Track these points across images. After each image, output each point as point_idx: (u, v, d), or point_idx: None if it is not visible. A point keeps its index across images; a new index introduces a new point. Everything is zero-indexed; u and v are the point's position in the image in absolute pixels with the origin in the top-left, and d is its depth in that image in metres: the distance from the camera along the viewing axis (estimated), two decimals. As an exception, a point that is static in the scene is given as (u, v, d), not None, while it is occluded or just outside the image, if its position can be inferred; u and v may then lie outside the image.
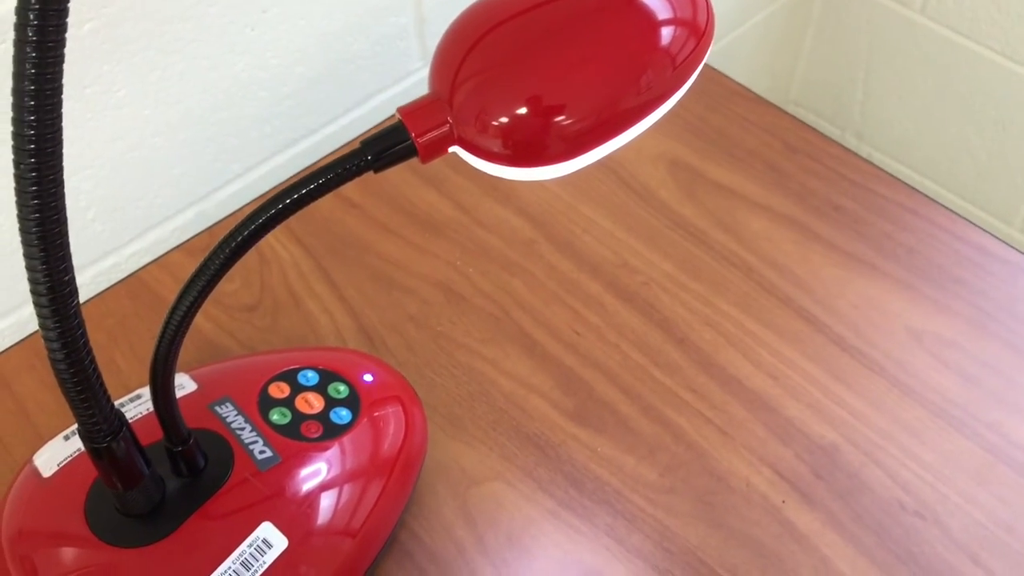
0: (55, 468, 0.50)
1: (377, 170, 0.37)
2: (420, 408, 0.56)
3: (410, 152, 0.37)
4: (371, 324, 0.64)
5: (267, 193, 0.73)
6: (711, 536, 0.54)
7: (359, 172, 0.37)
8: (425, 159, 0.37)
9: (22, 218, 0.35)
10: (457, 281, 0.66)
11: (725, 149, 0.73)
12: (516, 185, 0.71)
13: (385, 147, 0.36)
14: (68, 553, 0.48)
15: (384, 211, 0.70)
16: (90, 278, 0.70)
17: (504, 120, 0.37)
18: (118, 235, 0.70)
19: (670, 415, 0.59)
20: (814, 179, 0.71)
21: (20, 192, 0.34)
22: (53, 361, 0.39)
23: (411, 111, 0.36)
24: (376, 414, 0.53)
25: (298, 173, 0.74)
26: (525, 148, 0.37)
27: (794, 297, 0.64)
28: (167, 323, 0.40)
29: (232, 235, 0.37)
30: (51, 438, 0.52)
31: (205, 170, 0.72)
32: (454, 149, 0.38)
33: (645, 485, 0.56)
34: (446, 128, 0.37)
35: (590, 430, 0.59)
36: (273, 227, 0.37)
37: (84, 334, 0.39)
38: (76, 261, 0.69)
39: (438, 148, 0.37)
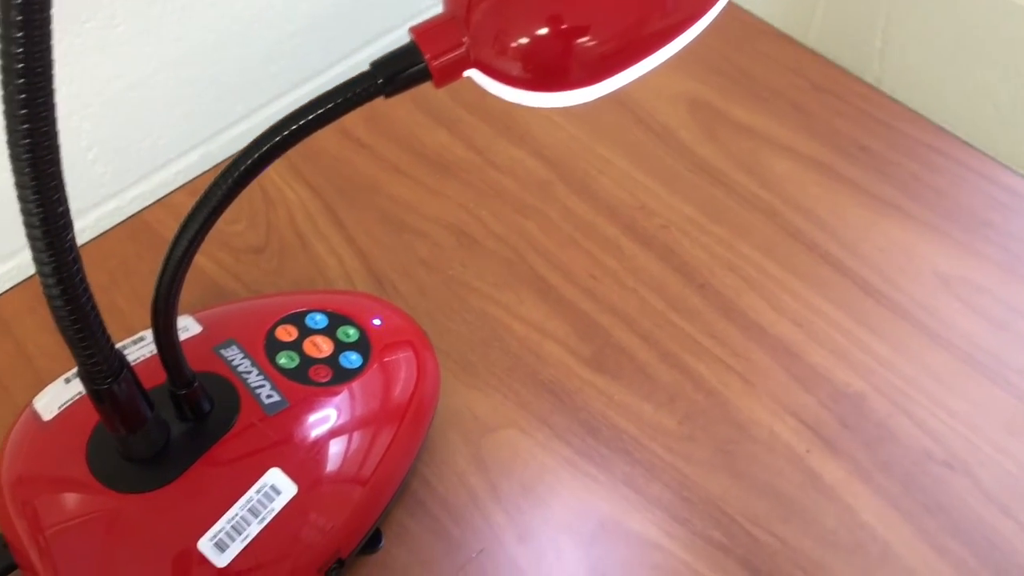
0: (56, 411, 0.48)
1: (388, 95, 0.35)
2: (432, 353, 0.54)
3: (423, 76, 0.34)
4: (381, 267, 0.62)
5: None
6: (732, 485, 0.53)
7: (369, 97, 0.34)
8: (439, 83, 0.35)
9: (12, 144, 0.33)
10: (469, 224, 0.64)
11: (748, 88, 0.70)
12: (531, 125, 0.69)
13: (397, 70, 0.34)
14: (70, 498, 0.46)
15: (394, 151, 0.68)
16: (92, 222, 0.68)
17: (524, 41, 0.34)
18: (120, 177, 0.68)
19: (690, 362, 0.57)
20: (840, 119, 0.68)
21: (9, 116, 0.32)
22: (49, 298, 0.37)
23: (425, 31, 0.34)
24: (387, 359, 0.52)
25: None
26: (545, 71, 0.35)
27: (819, 241, 0.62)
28: (168, 258, 0.38)
29: (235, 164, 0.35)
30: (50, 380, 0.50)
31: (209, 110, 0.70)
32: (470, 73, 0.35)
33: (664, 433, 0.55)
34: (462, 50, 0.34)
35: (607, 377, 0.57)
36: (277, 156, 0.35)
37: (80, 269, 0.37)
38: (77, 205, 0.68)
39: (453, 71, 0.35)
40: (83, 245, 0.64)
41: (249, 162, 0.34)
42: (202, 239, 0.37)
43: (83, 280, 0.37)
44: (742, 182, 0.65)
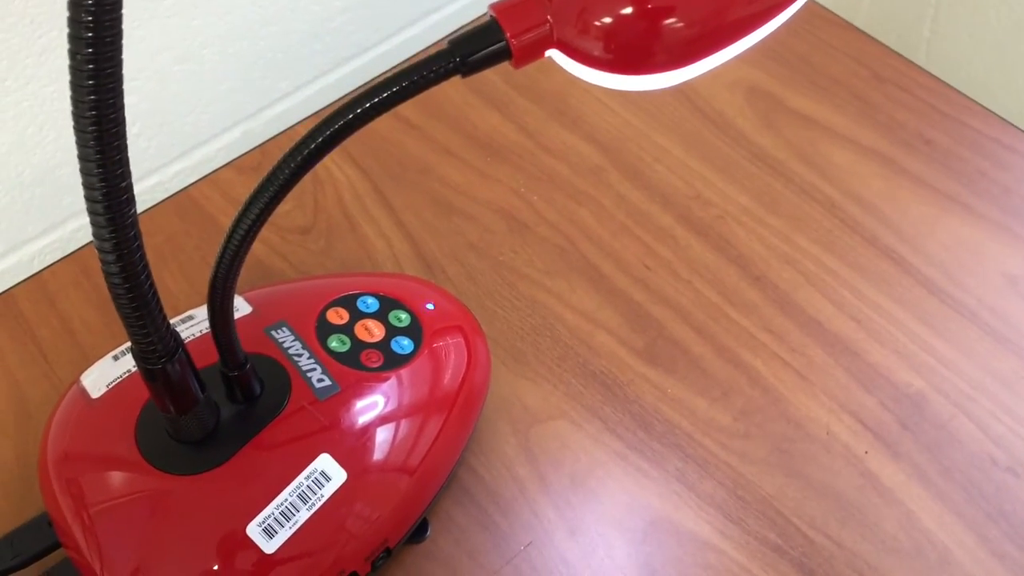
0: (104, 389, 0.47)
1: (465, 74, 0.33)
2: (483, 340, 0.53)
3: (503, 55, 0.33)
4: (430, 251, 0.61)
5: (318, 113, 0.69)
6: (788, 485, 0.51)
7: (445, 76, 0.33)
8: (519, 62, 0.33)
9: (77, 115, 0.32)
10: (521, 209, 0.62)
11: (808, 76, 0.68)
12: (584, 110, 0.67)
13: (476, 48, 0.33)
14: (117, 477, 0.45)
15: (445, 133, 0.66)
16: (135, 195, 0.67)
17: (608, 20, 0.33)
18: (164, 152, 0.67)
19: (745, 357, 0.56)
20: (903, 110, 0.66)
21: (76, 86, 0.31)
22: (107, 275, 0.36)
23: (506, 8, 0.33)
24: (438, 345, 0.51)
25: (348, 93, 0.71)
26: (628, 53, 0.34)
27: (880, 235, 0.61)
28: (229, 237, 0.37)
29: (305, 141, 0.34)
30: (96, 358, 0.49)
31: (254, 86, 0.69)
32: (551, 53, 0.34)
33: (718, 429, 0.53)
34: (545, 28, 0.33)
35: (660, 370, 0.56)
36: (347, 135, 0.34)
37: (141, 246, 0.36)
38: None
39: (535, 51, 0.33)
40: (129, 220, 0.63)
41: (320, 140, 0.33)
42: (265, 219, 0.36)
43: (143, 257, 0.36)
44: (800, 173, 0.63)
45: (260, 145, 0.67)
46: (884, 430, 0.53)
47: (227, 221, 0.61)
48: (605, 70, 0.34)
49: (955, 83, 0.67)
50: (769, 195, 0.63)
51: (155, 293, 0.38)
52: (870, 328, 0.57)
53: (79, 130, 0.32)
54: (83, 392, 0.47)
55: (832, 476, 0.52)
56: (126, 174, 0.34)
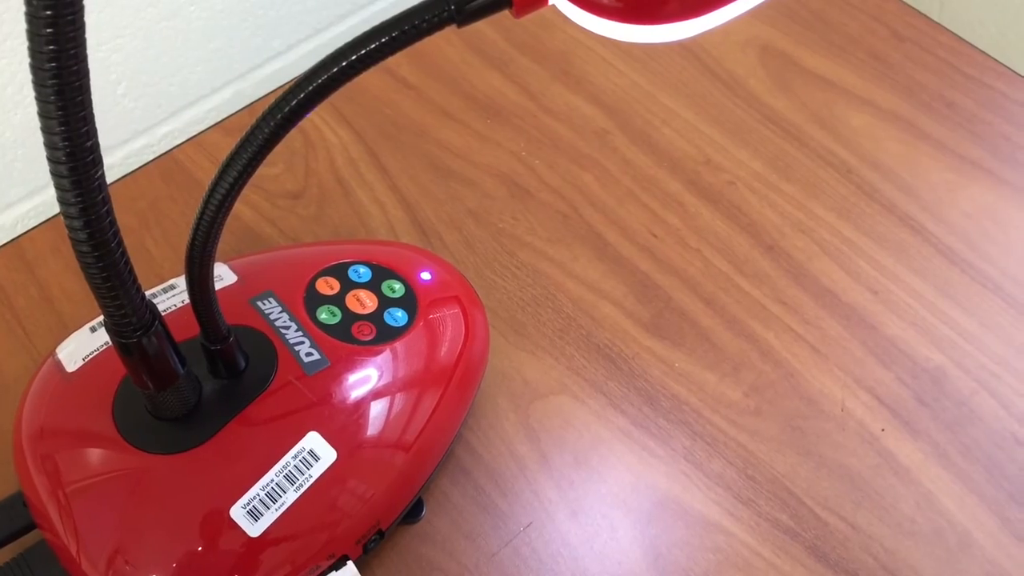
0: (80, 363, 0.45)
1: (460, 23, 0.30)
2: (482, 311, 0.50)
3: (502, 2, 0.30)
4: (426, 218, 0.58)
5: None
6: (800, 465, 0.49)
7: (439, 26, 0.30)
8: (520, 11, 0.30)
9: (35, 68, 0.29)
10: (522, 174, 0.60)
11: (823, 35, 0.65)
12: (588, 70, 0.64)
13: (472, -6, 0.30)
14: (94, 455, 0.43)
15: (442, 94, 0.63)
16: (120, 159, 0.65)
17: (618, -36, 0.30)
18: (151, 113, 0.65)
19: (757, 329, 0.53)
20: (923, 71, 0.63)
21: (33, 35, 0.28)
22: (75, 242, 0.33)
23: (506, -50, 0.30)
24: (433, 316, 0.48)
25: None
26: (638, 0, 0.31)
27: (898, 203, 0.58)
28: (206, 202, 0.34)
29: (284, 99, 0.31)
30: (76, 328, 0.47)
31: (244, 45, 0.66)
32: (555, 1, 0.31)
33: (727, 406, 0.51)
34: (549, -28, 0.30)
35: (667, 343, 0.53)
36: (332, 91, 0.31)
37: (110, 211, 0.33)
38: (105, 141, 0.64)
39: (537, -3, 0.30)
40: (110, 184, 0.60)
41: (302, 95, 0.30)
42: (245, 181, 0.33)
43: (113, 223, 0.33)
44: (816, 137, 0.60)
45: (249, 106, 0.64)
46: (901, 407, 0.51)
47: (213, 185, 0.59)
48: (614, 19, 0.31)
49: (978, 43, 0.64)
50: (783, 160, 0.60)
51: (127, 261, 0.35)
52: (888, 300, 0.54)
53: (38, 83, 0.29)
54: (58, 365, 0.45)
55: (847, 455, 0.49)
56: (91, 132, 0.31)
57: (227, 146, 0.61)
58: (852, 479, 0.48)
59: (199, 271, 0.37)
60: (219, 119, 0.66)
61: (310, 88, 0.30)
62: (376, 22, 0.73)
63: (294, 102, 0.31)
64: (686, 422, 0.50)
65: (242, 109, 0.64)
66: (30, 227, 0.59)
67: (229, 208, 0.34)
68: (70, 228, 0.33)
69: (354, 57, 0.30)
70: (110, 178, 0.64)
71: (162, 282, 0.48)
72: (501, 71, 0.64)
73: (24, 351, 0.53)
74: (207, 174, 0.60)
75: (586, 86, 0.63)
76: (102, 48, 0.59)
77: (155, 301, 0.47)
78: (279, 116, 0.31)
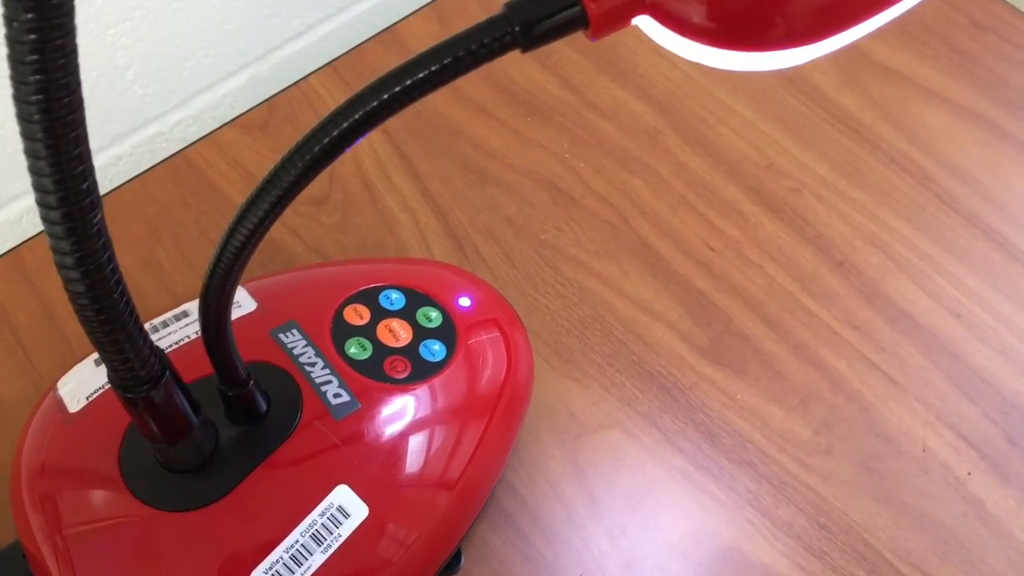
0: (84, 402, 0.40)
1: (526, 48, 0.25)
2: (525, 338, 0.45)
3: (576, 23, 0.25)
4: (461, 227, 0.53)
5: (334, 61, 0.61)
6: (878, 513, 0.44)
7: (501, 50, 0.25)
8: (597, 32, 0.25)
9: (19, 97, 0.24)
10: (565, 178, 0.54)
11: (896, 24, 0.59)
12: (638, 61, 0.58)
13: (542, 14, 0.25)
14: (98, 504, 0.39)
15: (478, 89, 0.58)
16: (130, 149, 0.60)
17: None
18: (162, 99, 0.60)
19: (826, 357, 0.48)
20: (1006, 65, 0.58)
21: (16, 63, 0.24)
22: (72, 294, 0.29)
23: (582, -40, 0.25)
24: (473, 346, 0.43)
25: (374, 36, 0.62)
26: (737, 22, 0.26)
27: (980, 213, 0.52)
28: (224, 247, 0.29)
29: (317, 134, 0.26)
30: (83, 349, 0.42)
31: (261, 26, 0.62)
32: (639, 21, 0.26)
33: (796, 444, 0.46)
34: (635, -12, 0.25)
35: (727, 371, 0.48)
36: (375, 124, 0.26)
37: (112, 258, 0.28)
38: (114, 129, 0.59)
39: (619, 17, 0.25)
40: (119, 187, 0.56)
41: (336, 133, 0.26)
42: (269, 226, 0.28)
43: (115, 271, 0.29)
44: (888, 138, 0.55)
45: (268, 100, 0.59)
46: (990, 447, 0.46)
47: (230, 188, 0.54)
48: (707, 43, 0.26)
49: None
50: (852, 164, 0.54)
51: (133, 311, 0.30)
52: (972, 324, 0.49)
53: (23, 118, 0.25)
54: (60, 404, 0.41)
55: (930, 502, 0.44)
56: (88, 171, 0.26)
57: (244, 145, 0.56)
58: (936, 529, 0.44)
59: (215, 319, 0.32)
60: (235, 105, 0.61)
61: (345, 125, 0.25)
62: (402, 1, 0.65)
63: (326, 140, 0.26)
64: (750, 462, 0.46)
65: (261, 104, 0.59)
66: (30, 235, 0.55)
67: (247, 259, 0.29)
68: (65, 279, 0.29)
69: (398, 88, 0.25)
70: (117, 172, 0.60)
71: (174, 298, 0.44)
72: (542, 62, 0.59)
73: (24, 374, 0.49)
74: (222, 176, 0.55)
75: (635, 80, 0.58)
76: (110, 31, 0.54)
77: (167, 331, 0.42)
78: (308, 156, 0.26)
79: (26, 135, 0.25)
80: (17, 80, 0.24)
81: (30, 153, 0.25)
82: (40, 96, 0.24)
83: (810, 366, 0.48)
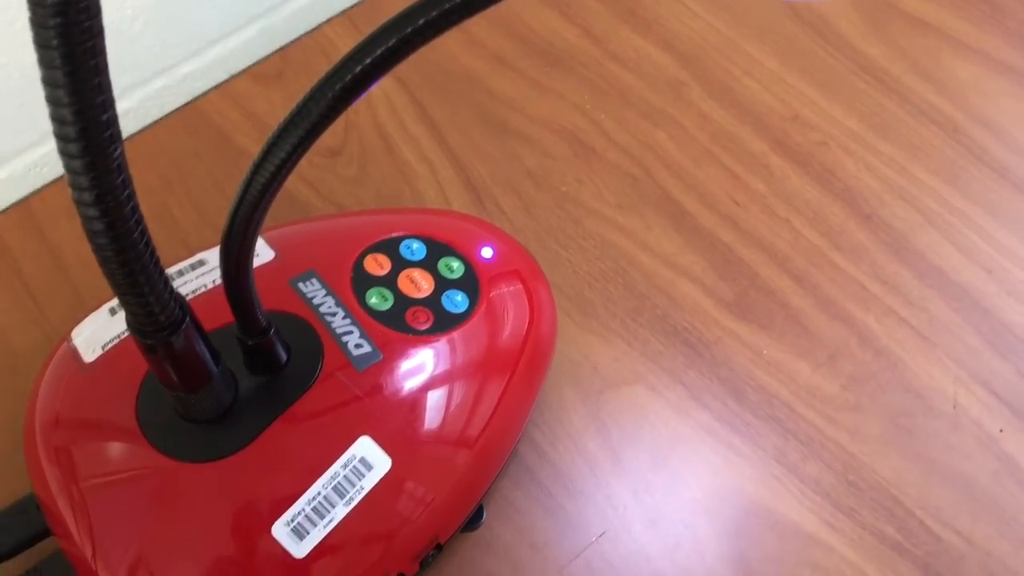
0: (99, 352, 0.39)
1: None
2: (548, 291, 0.44)
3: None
4: (480, 178, 0.52)
5: (348, 11, 0.59)
6: (908, 469, 0.44)
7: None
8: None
9: (37, 25, 0.23)
10: (586, 129, 0.53)
11: (926, -27, 0.58)
12: (660, 11, 0.57)
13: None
14: (116, 462, 0.38)
15: (496, 37, 0.56)
16: (137, 102, 0.59)
17: None
18: (170, 51, 0.58)
19: (855, 312, 0.47)
20: (1040, 16, 0.56)
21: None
22: (91, 234, 0.27)
23: None
24: (496, 298, 0.42)
25: (386, -15, 0.61)
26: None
27: (1012, 166, 0.51)
28: (247, 185, 0.28)
29: (344, 66, 0.25)
30: (94, 299, 0.41)
31: (272, -25, 0.60)
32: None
33: (823, 400, 0.45)
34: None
35: (754, 326, 0.47)
36: (403, 56, 0.25)
37: (132, 195, 0.27)
38: (121, 82, 0.57)
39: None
40: (128, 138, 0.54)
41: (367, 61, 0.24)
42: (296, 161, 0.27)
43: (135, 209, 0.27)
44: (917, 90, 0.54)
45: (280, 49, 0.58)
46: (1022, 403, 0.45)
47: (243, 139, 0.53)
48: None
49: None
50: (880, 116, 0.53)
51: (152, 252, 0.29)
52: (1004, 279, 0.48)
53: (42, 45, 0.24)
54: (74, 354, 0.40)
55: (961, 459, 0.44)
56: (108, 103, 0.25)
57: (258, 95, 0.55)
58: (968, 487, 0.43)
59: (236, 268, 0.31)
60: (245, 59, 0.60)
61: (376, 54, 0.24)
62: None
63: (358, 69, 0.25)
64: (776, 418, 0.45)
65: (272, 53, 0.58)
66: (39, 186, 0.54)
67: (270, 201, 0.28)
68: (84, 217, 0.27)
69: (435, 13, 0.24)
70: (126, 125, 0.58)
71: (187, 250, 0.43)
72: (560, 10, 0.57)
73: (35, 325, 0.48)
74: (236, 127, 0.53)
75: (657, 29, 0.56)
76: (116, -20, 0.53)
77: (183, 280, 0.41)
78: (338, 86, 0.25)
79: (44, 62, 0.24)
80: (34, 2, 0.23)
81: (48, 81, 0.24)
82: (59, 20, 0.23)
83: (838, 321, 0.47)
